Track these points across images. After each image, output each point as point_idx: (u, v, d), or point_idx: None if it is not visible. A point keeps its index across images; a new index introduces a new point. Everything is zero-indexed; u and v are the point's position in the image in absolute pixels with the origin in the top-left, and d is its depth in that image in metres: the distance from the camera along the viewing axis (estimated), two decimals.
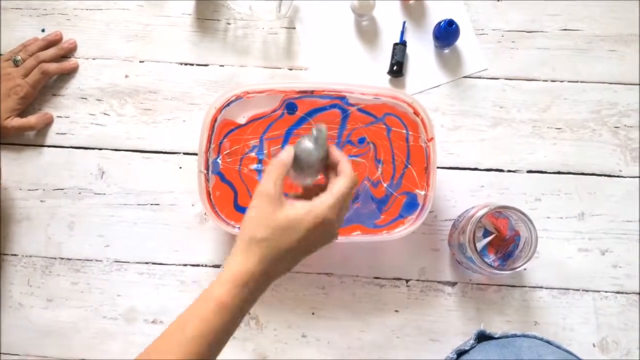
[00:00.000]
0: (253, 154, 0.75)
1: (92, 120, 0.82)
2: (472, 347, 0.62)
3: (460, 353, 0.63)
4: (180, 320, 0.51)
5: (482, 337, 0.64)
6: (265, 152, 0.75)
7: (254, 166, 0.75)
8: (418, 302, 0.76)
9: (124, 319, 0.77)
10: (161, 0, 0.85)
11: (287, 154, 0.54)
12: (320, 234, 0.52)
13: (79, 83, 0.83)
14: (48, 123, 0.82)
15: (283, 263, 0.52)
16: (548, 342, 0.61)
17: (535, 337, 0.61)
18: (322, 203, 0.51)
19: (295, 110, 0.75)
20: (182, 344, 0.48)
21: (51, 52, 0.82)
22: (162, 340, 0.50)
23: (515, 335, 0.62)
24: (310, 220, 0.51)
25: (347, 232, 0.73)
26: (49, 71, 0.80)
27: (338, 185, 0.52)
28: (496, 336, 0.63)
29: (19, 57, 0.80)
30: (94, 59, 0.84)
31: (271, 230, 0.50)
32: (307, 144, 0.55)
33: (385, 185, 0.75)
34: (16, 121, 0.79)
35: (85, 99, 0.83)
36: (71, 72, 0.83)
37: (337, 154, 0.56)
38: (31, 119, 0.80)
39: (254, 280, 0.50)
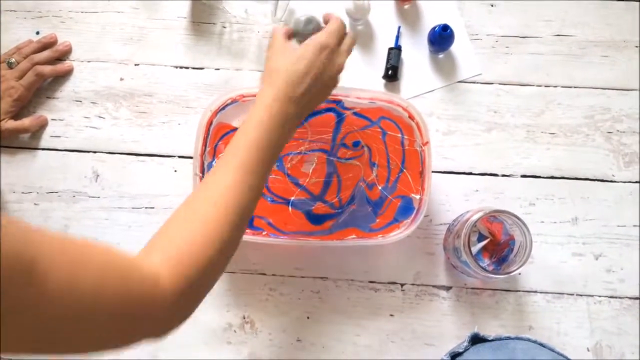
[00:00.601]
0: None
1: (86, 123, 0.82)
2: (466, 350, 0.62)
3: (454, 355, 0.63)
4: (229, 148, 0.56)
5: (476, 340, 0.64)
6: None
7: None
8: (413, 306, 0.76)
9: None
10: (156, 2, 0.85)
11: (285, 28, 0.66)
12: (325, 58, 0.60)
13: (73, 86, 0.83)
14: (42, 126, 0.81)
15: (300, 87, 0.58)
16: (542, 344, 0.61)
17: (529, 340, 0.62)
18: (321, 34, 0.61)
19: None
20: (237, 156, 0.55)
21: (46, 54, 0.81)
22: (217, 167, 0.55)
23: (509, 338, 0.62)
24: (313, 45, 0.59)
25: (343, 236, 0.73)
26: (44, 73, 0.80)
27: (330, 24, 0.62)
28: (490, 339, 0.63)
29: (13, 60, 0.80)
30: (88, 61, 0.84)
31: (287, 61, 0.59)
32: (301, 23, 0.67)
33: (380, 187, 0.75)
34: (10, 124, 0.79)
35: (80, 101, 0.83)
36: (66, 75, 0.83)
37: (328, 15, 0.65)
38: (25, 122, 0.80)
39: (279, 100, 0.57)
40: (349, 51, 0.64)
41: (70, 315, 0.37)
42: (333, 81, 0.63)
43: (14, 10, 0.85)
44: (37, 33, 0.84)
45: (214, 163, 0.75)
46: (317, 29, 0.66)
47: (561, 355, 0.60)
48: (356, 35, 0.68)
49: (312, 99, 0.61)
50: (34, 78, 0.79)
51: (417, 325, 0.76)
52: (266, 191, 0.76)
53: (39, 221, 0.79)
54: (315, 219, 0.75)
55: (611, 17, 0.83)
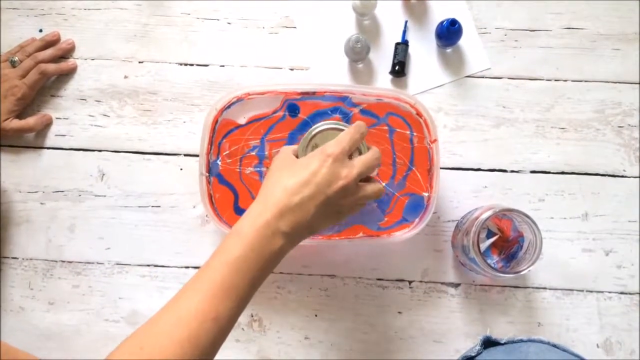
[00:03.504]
0: (253, 153, 0.75)
1: (91, 122, 0.81)
2: (478, 354, 0.62)
3: (467, 359, 0.63)
4: (205, 263, 0.53)
5: (488, 343, 0.64)
6: (266, 153, 0.75)
7: (255, 166, 0.74)
8: (421, 304, 0.76)
9: (126, 322, 0.77)
10: None
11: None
12: (329, 167, 0.54)
13: (77, 84, 0.82)
14: (47, 124, 0.81)
15: (297, 196, 0.53)
16: (555, 345, 0.60)
17: (541, 342, 0.61)
18: (327, 144, 0.57)
19: (297, 113, 0.75)
20: (205, 275, 0.51)
21: (49, 52, 0.81)
22: (189, 284, 0.52)
23: (521, 341, 0.61)
24: (316, 152, 0.56)
25: (350, 234, 0.73)
26: (47, 72, 0.80)
27: (342, 134, 0.58)
28: (502, 342, 0.63)
29: (16, 58, 0.80)
30: (92, 59, 0.83)
31: (286, 171, 0.55)
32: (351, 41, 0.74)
33: (384, 184, 0.74)
34: (15, 123, 0.78)
35: (85, 100, 0.82)
36: (70, 73, 0.82)
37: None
38: (30, 121, 0.79)
39: (269, 210, 0.53)
40: (363, 167, 0.57)
41: None
42: (338, 199, 0.55)
43: (17, 8, 0.84)
44: (40, 31, 0.84)
45: (218, 162, 0.74)
46: (366, 48, 0.74)
47: (575, 355, 0.59)
48: (378, 152, 0.60)
49: (311, 218, 0.53)
50: (37, 76, 0.79)
51: (425, 323, 0.76)
52: None
53: (45, 220, 0.79)
54: None
55: (622, 9, 0.81)
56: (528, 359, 0.58)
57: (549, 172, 0.78)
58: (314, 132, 0.63)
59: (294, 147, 0.63)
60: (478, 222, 0.67)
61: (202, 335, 0.48)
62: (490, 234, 0.74)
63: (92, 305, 0.78)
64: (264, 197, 0.55)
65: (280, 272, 0.77)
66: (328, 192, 0.54)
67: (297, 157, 0.61)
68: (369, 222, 0.73)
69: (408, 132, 0.74)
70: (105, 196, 0.80)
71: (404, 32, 0.81)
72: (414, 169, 0.74)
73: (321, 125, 0.63)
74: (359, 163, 0.57)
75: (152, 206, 0.79)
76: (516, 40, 0.81)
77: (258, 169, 0.75)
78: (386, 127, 0.75)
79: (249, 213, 0.54)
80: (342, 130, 0.61)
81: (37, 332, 0.77)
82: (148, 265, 0.78)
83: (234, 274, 0.51)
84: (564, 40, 0.81)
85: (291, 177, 0.54)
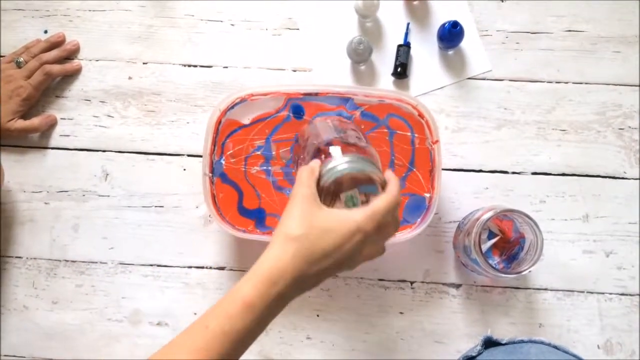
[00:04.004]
0: (259, 153, 0.75)
1: (95, 122, 0.82)
2: (479, 354, 0.62)
3: (468, 359, 0.63)
4: (206, 317, 0.49)
5: (489, 343, 0.64)
6: (273, 153, 0.75)
7: (261, 165, 0.75)
8: (422, 304, 0.76)
9: (129, 321, 0.78)
10: (163, 0, 0.84)
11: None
12: (356, 244, 0.50)
13: (82, 85, 0.83)
14: (52, 125, 0.82)
15: (316, 266, 0.49)
16: (555, 347, 0.61)
17: (542, 343, 0.61)
18: (359, 213, 0.50)
19: (302, 114, 0.75)
20: (204, 340, 0.47)
21: (54, 53, 0.81)
22: (184, 336, 0.49)
23: (522, 341, 0.62)
24: (346, 227, 0.49)
25: None
26: (52, 72, 0.80)
27: (378, 201, 0.51)
28: (503, 342, 0.63)
29: (21, 59, 0.80)
30: (97, 60, 0.84)
31: (308, 229, 0.49)
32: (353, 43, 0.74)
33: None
34: (19, 123, 0.79)
35: (89, 100, 0.83)
36: (74, 74, 0.83)
37: (388, 175, 0.55)
38: (35, 121, 0.80)
39: (284, 280, 0.48)
40: (387, 237, 0.54)
41: None
42: (354, 266, 0.53)
43: (22, 9, 0.85)
44: (45, 32, 0.84)
45: (222, 161, 0.75)
46: (368, 49, 0.75)
47: (575, 356, 0.60)
48: (396, 223, 0.55)
49: (319, 281, 0.51)
50: (42, 77, 0.79)
51: (427, 323, 0.76)
52: (283, 185, 0.75)
53: (49, 220, 0.80)
54: None
55: (623, 12, 0.82)
56: (529, 359, 0.59)
57: (549, 174, 0.79)
58: (343, 172, 0.54)
59: (314, 173, 0.54)
60: (479, 223, 0.67)
61: None
62: (491, 235, 0.75)
63: (95, 305, 0.78)
64: (282, 245, 0.50)
65: None
66: (345, 264, 0.51)
67: (321, 189, 0.54)
68: None
69: (409, 134, 0.75)
70: (109, 196, 0.80)
71: (406, 34, 0.82)
72: (414, 170, 0.74)
73: (351, 163, 0.54)
74: (384, 241, 0.54)
75: (156, 206, 0.80)
76: (517, 43, 0.82)
77: (264, 167, 0.75)
78: (386, 130, 0.75)
79: (263, 266, 0.49)
80: (373, 179, 0.55)
81: (41, 331, 0.78)
82: (151, 265, 0.79)
83: (229, 347, 0.47)
84: (565, 43, 0.82)
85: (318, 238, 0.49)
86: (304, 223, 0.50)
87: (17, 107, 0.79)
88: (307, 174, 0.53)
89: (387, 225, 0.52)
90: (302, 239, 0.49)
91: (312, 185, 0.52)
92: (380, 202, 0.51)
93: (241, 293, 0.49)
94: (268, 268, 0.49)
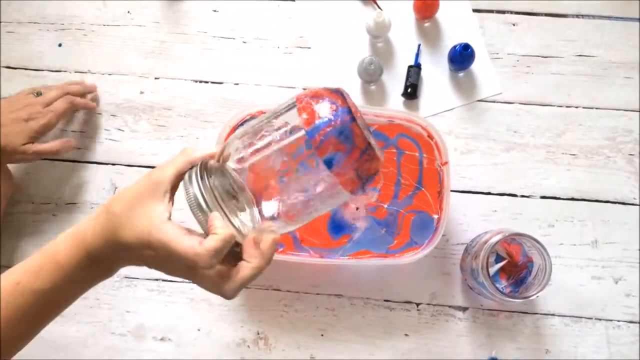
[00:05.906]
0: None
1: (106, 136, 0.83)
2: None
3: None
4: (15, 272, 0.48)
5: None
6: None
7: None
8: (428, 327, 0.76)
9: (132, 335, 0.77)
10: (177, 16, 0.85)
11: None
12: (149, 257, 0.48)
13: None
14: (69, 150, 0.79)
15: (125, 252, 0.47)
16: None
17: None
18: (185, 241, 0.45)
19: None
20: (13, 294, 0.47)
21: (76, 87, 0.80)
22: None
23: None
24: (185, 260, 0.45)
25: (359, 255, 0.73)
26: (75, 103, 0.78)
27: (208, 243, 0.45)
28: None
29: (41, 91, 0.77)
30: (109, 74, 0.84)
31: (131, 217, 0.45)
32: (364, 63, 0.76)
33: (385, 206, 0.74)
34: (36, 147, 0.75)
35: (100, 114, 0.83)
36: (92, 111, 0.83)
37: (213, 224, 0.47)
38: (54, 145, 0.76)
39: (96, 241, 0.47)
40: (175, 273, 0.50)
41: None
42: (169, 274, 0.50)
43: (37, 22, 0.86)
44: (60, 45, 0.85)
45: None
46: (379, 69, 0.76)
47: None
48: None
49: (138, 264, 0.49)
50: (66, 105, 0.77)
51: (432, 346, 0.75)
52: None
53: (57, 232, 0.79)
54: (337, 227, 0.74)
55: (634, 38, 0.82)
56: None
57: (559, 198, 0.78)
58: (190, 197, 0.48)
59: (163, 177, 0.48)
60: (487, 245, 0.67)
61: None
62: (499, 259, 0.74)
63: (100, 318, 0.78)
64: (99, 215, 0.48)
65: (288, 290, 0.77)
66: (153, 265, 0.49)
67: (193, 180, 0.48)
68: (378, 247, 0.73)
69: (417, 154, 0.75)
70: None
71: (417, 55, 0.82)
72: (423, 189, 0.74)
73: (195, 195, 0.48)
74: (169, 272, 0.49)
75: None
76: (528, 66, 0.82)
77: None
78: (394, 150, 0.75)
79: (80, 222, 0.48)
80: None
81: (44, 343, 0.77)
82: (156, 280, 0.78)
83: (39, 305, 0.47)
84: (576, 67, 0.82)
85: (125, 223, 0.46)
86: (134, 210, 0.46)
87: (31, 132, 0.74)
88: (183, 159, 0.48)
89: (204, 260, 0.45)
90: (118, 221, 0.46)
91: (175, 175, 0.48)
92: (207, 244, 0.45)
93: (52, 251, 0.48)
94: (83, 229, 0.48)
